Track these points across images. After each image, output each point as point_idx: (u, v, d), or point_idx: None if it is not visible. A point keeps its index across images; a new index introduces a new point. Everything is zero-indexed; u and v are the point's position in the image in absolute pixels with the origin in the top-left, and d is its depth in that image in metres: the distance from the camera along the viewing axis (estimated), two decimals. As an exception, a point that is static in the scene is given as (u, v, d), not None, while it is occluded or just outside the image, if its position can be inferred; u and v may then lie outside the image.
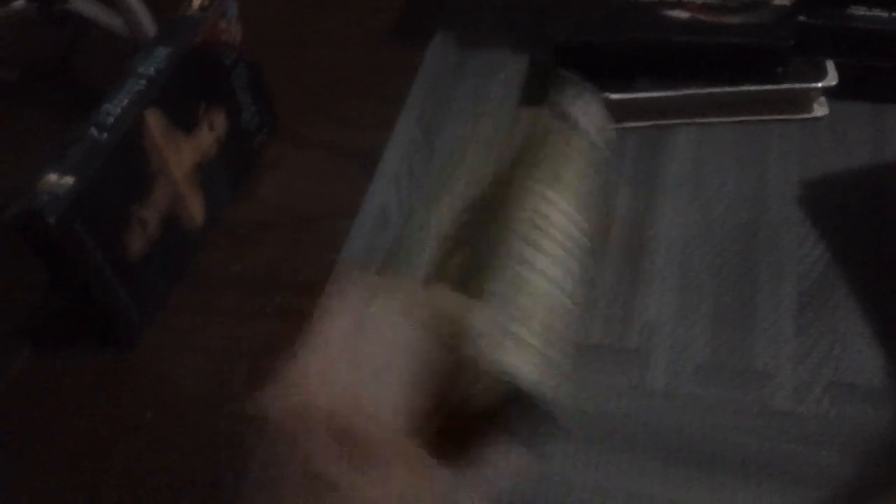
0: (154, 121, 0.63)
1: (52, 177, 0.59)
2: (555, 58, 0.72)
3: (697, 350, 0.59)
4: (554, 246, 0.54)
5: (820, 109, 0.71)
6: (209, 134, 0.69)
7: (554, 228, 0.55)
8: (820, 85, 0.70)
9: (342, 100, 0.79)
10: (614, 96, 0.70)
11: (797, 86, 0.70)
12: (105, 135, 0.61)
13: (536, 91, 0.65)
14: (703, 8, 0.71)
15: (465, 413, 0.46)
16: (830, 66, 0.70)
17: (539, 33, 0.76)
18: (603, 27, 0.72)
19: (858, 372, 0.56)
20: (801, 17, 0.69)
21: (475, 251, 0.52)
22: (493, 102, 0.75)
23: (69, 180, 0.59)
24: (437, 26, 0.82)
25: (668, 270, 0.63)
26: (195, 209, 0.69)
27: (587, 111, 0.61)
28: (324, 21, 0.87)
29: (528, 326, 0.50)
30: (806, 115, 0.71)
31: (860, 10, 0.69)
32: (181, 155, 0.67)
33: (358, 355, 0.46)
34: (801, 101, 0.71)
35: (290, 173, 0.75)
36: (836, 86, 0.70)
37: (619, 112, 0.69)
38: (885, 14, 0.69)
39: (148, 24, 0.78)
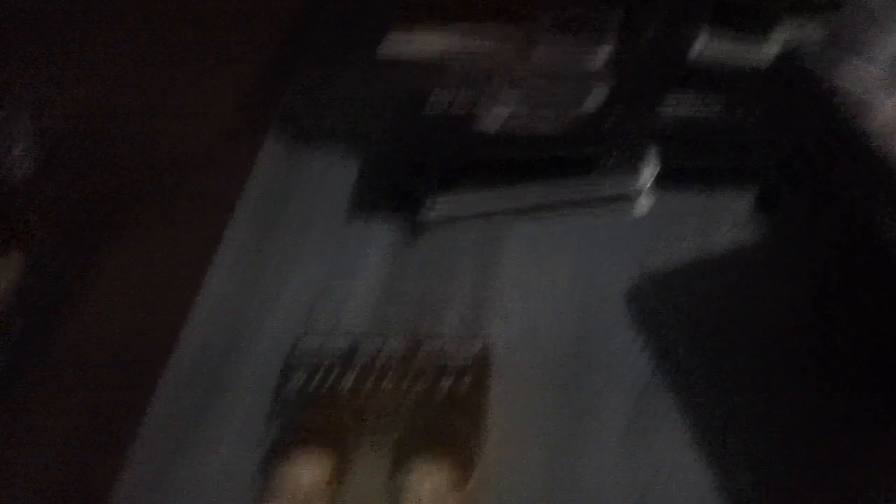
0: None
1: None
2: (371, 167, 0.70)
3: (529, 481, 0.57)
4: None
5: (644, 204, 0.70)
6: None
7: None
8: (641, 181, 0.69)
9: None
10: (436, 205, 0.68)
11: (618, 183, 0.69)
12: None
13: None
14: (520, 107, 0.69)
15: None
16: (652, 160, 0.69)
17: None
18: (419, 137, 0.70)
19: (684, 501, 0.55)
20: (618, 112, 0.68)
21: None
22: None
23: None
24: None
25: (497, 388, 0.61)
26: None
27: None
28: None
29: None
30: (630, 211, 0.70)
31: (680, 103, 0.68)
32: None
33: None
34: (625, 198, 0.70)
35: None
36: (659, 179, 0.68)
37: (444, 219, 0.67)
38: (704, 106, 0.68)
39: None
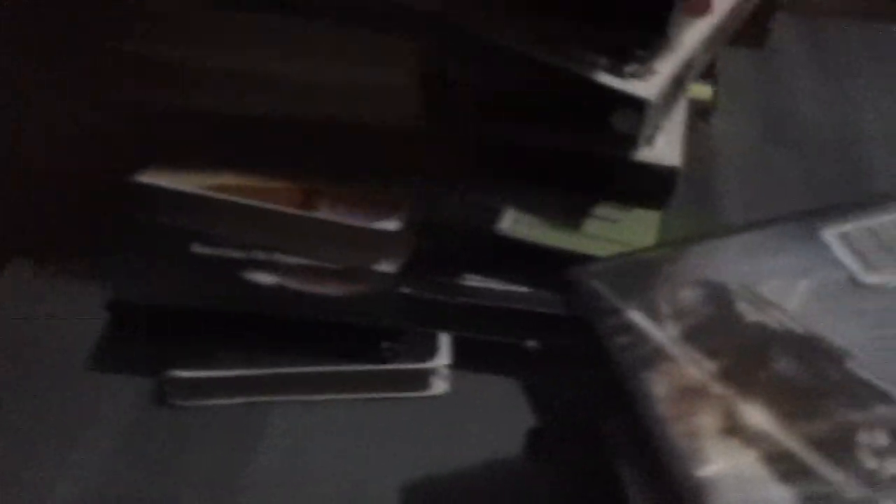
0: None
1: None
2: (115, 322, 0.59)
3: None
4: None
5: (439, 386, 0.61)
6: None
7: None
8: (432, 364, 0.59)
9: None
10: (185, 374, 0.58)
11: (407, 365, 0.60)
12: None
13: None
14: (295, 272, 0.58)
15: None
16: (445, 341, 0.60)
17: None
18: (175, 286, 0.59)
19: None
20: (406, 289, 0.58)
21: None
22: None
23: None
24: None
25: None
26: None
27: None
28: None
29: None
30: (422, 393, 0.61)
31: (473, 282, 0.58)
32: None
33: None
34: (416, 379, 0.60)
35: None
36: (455, 361, 0.60)
37: (194, 391, 0.58)
38: (499, 286, 0.58)
39: None
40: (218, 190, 0.59)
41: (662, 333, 0.40)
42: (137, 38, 0.56)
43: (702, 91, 0.74)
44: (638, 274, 0.43)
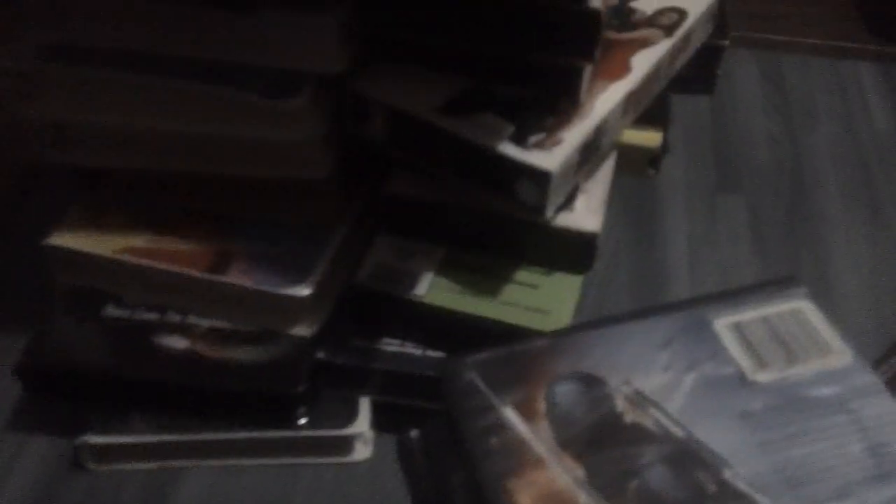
0: None
1: None
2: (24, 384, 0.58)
3: None
4: None
5: (362, 451, 0.59)
6: None
7: None
8: (350, 430, 0.58)
9: None
10: (97, 439, 0.57)
11: (326, 432, 0.58)
12: None
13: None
14: (208, 336, 0.57)
15: None
16: (364, 406, 0.58)
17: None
18: (86, 348, 0.58)
19: None
20: (322, 354, 0.56)
21: None
22: None
23: None
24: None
25: None
26: None
27: None
28: None
29: None
30: (344, 459, 0.59)
31: (391, 347, 0.57)
32: None
33: None
34: (336, 445, 0.59)
35: None
36: (375, 424, 0.58)
37: (106, 455, 0.57)
38: (417, 352, 0.57)
39: None
40: (129, 252, 0.58)
41: (535, 436, 0.38)
42: (36, 102, 0.55)
43: (651, 138, 0.73)
44: (517, 366, 0.41)
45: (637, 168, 0.69)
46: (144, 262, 0.57)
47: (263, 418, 0.58)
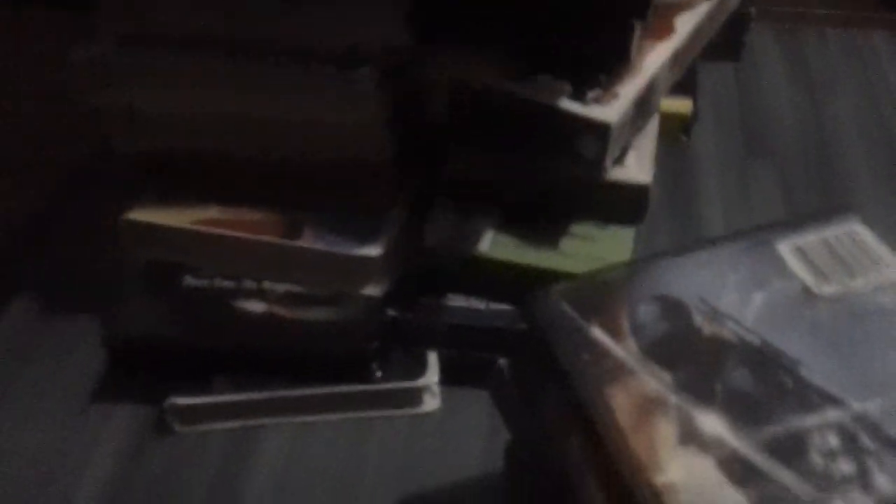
0: None
1: None
2: (112, 354, 0.61)
3: None
4: None
5: (430, 403, 0.62)
6: None
7: None
8: (420, 382, 0.61)
9: None
10: (184, 401, 0.60)
11: (397, 384, 0.61)
12: None
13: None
14: (284, 299, 0.60)
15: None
16: (433, 359, 0.62)
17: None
18: (167, 319, 0.61)
19: None
20: (392, 312, 0.60)
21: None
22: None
23: None
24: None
25: None
26: None
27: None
28: None
29: None
30: (414, 410, 0.62)
31: (456, 302, 0.61)
32: None
33: None
34: (406, 397, 0.62)
35: None
36: (445, 378, 0.61)
37: (192, 416, 0.60)
38: (481, 305, 0.61)
39: None
40: (205, 224, 0.61)
41: (622, 349, 0.42)
42: (111, 90, 0.59)
43: (682, 106, 0.76)
44: (599, 293, 0.45)
45: (670, 135, 0.72)
46: (220, 231, 0.61)
47: (339, 374, 0.61)
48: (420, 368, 0.62)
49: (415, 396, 0.63)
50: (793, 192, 0.79)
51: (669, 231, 0.75)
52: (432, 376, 0.62)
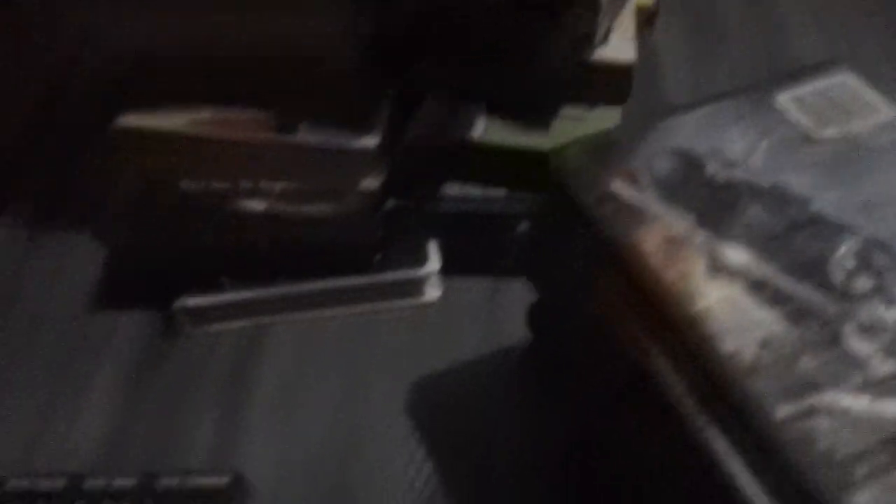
0: None
1: None
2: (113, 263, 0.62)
3: None
4: None
5: (432, 293, 0.64)
6: None
7: None
8: (423, 271, 0.63)
9: None
10: (193, 302, 0.61)
11: (400, 274, 0.63)
12: None
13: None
14: (283, 197, 0.61)
15: None
16: (433, 248, 0.63)
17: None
18: (170, 224, 0.61)
19: None
20: (391, 202, 0.61)
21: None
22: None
23: None
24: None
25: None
26: None
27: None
28: None
29: None
30: (416, 301, 0.64)
31: (453, 190, 0.62)
32: None
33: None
34: (408, 287, 0.64)
35: None
36: (444, 267, 0.63)
37: (201, 317, 0.61)
38: (478, 193, 0.63)
39: None
40: (197, 126, 0.61)
41: (643, 197, 0.44)
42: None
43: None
44: (614, 150, 0.47)
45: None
46: (216, 130, 0.61)
47: (343, 266, 0.62)
48: (421, 258, 0.64)
49: (417, 287, 0.64)
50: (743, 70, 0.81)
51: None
52: (434, 265, 0.63)
